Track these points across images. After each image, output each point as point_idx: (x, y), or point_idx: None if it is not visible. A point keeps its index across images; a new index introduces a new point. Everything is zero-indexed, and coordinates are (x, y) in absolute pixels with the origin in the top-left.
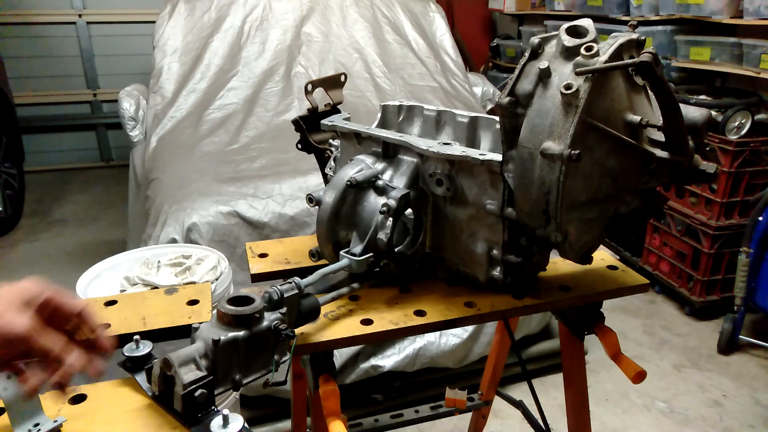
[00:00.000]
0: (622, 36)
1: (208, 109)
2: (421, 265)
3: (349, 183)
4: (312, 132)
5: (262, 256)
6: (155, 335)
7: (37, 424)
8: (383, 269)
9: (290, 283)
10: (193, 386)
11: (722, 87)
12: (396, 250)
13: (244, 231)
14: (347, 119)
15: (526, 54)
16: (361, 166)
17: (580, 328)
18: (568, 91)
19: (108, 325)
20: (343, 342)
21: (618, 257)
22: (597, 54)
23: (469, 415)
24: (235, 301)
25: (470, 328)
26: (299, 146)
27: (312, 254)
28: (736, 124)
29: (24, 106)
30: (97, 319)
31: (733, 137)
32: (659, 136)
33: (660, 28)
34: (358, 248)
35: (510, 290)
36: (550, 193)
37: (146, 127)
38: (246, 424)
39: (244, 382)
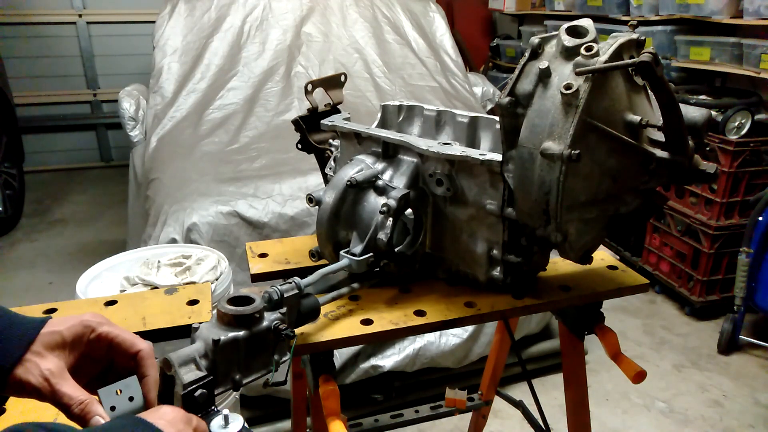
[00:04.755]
0: (622, 36)
1: (208, 109)
2: (421, 265)
3: (349, 183)
4: (312, 132)
5: (262, 256)
6: (155, 335)
7: None
8: (383, 269)
9: (290, 283)
10: (193, 386)
11: (722, 87)
12: (396, 250)
13: (244, 231)
14: (347, 119)
15: (526, 54)
16: (361, 166)
17: (580, 328)
18: (568, 91)
19: None
20: (343, 342)
21: (618, 257)
22: (597, 54)
23: (469, 415)
24: (235, 301)
25: (470, 328)
26: (299, 146)
27: (312, 254)
28: (736, 124)
29: (24, 106)
30: (151, 366)
31: (733, 137)
32: (659, 136)
33: (660, 28)
34: (358, 248)
35: (510, 290)
36: (550, 193)
37: (146, 127)
38: (246, 424)
39: (244, 382)
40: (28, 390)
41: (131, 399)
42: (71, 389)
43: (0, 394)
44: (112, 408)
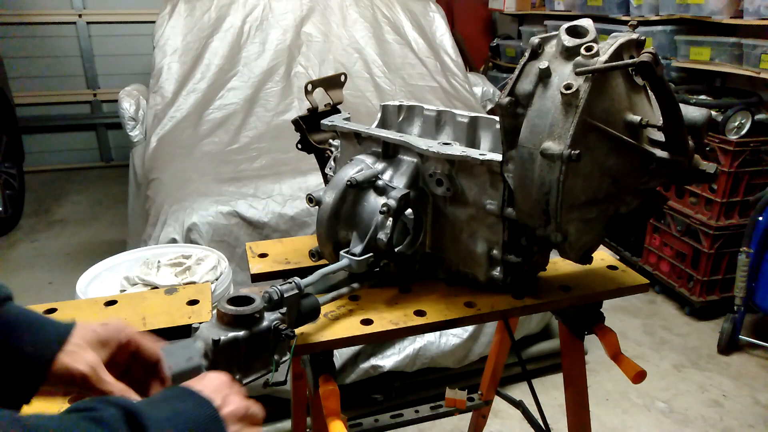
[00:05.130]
0: (622, 36)
1: (208, 109)
2: (421, 265)
3: (349, 183)
4: (312, 132)
5: (262, 256)
6: (155, 335)
7: None
8: (383, 269)
9: (290, 283)
10: None
11: (722, 87)
12: (396, 250)
13: (244, 231)
14: (347, 119)
15: (526, 54)
16: (361, 166)
17: (580, 328)
18: (568, 91)
19: None
20: (343, 342)
21: (618, 257)
22: (597, 54)
23: (469, 415)
24: (235, 301)
25: (470, 328)
26: (299, 146)
27: (312, 254)
28: (736, 124)
29: (24, 106)
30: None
31: (733, 137)
32: (659, 136)
33: (660, 28)
34: (358, 248)
35: (510, 290)
36: (550, 193)
37: (146, 127)
38: None
39: (244, 382)
40: (73, 377)
41: (189, 359)
42: (112, 379)
43: (38, 385)
44: (171, 366)
